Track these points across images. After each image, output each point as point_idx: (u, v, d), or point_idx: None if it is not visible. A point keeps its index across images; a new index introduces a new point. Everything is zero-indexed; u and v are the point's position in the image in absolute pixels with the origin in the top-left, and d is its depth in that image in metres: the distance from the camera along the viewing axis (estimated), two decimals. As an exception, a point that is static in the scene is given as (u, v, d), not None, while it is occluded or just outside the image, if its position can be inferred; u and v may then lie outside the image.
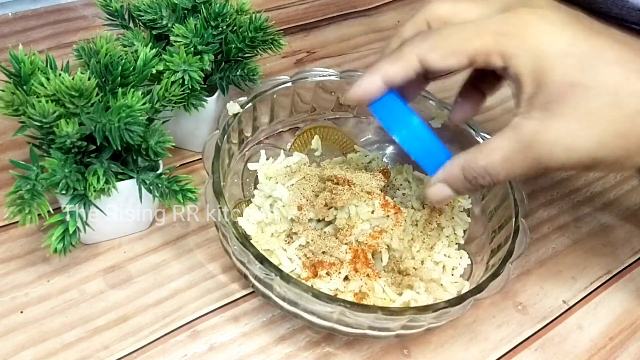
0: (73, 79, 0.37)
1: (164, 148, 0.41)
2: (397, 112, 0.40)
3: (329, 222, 0.47)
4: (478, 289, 0.40)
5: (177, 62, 0.43)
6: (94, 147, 0.40)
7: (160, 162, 0.44)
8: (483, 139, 0.50)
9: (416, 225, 0.48)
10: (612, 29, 0.36)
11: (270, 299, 0.41)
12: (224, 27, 0.47)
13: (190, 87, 0.44)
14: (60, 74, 0.38)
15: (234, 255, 0.41)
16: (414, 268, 0.46)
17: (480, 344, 0.46)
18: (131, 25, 0.49)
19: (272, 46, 0.50)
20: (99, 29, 0.47)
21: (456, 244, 0.49)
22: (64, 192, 0.39)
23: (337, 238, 0.45)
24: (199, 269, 0.47)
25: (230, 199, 0.47)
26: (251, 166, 0.50)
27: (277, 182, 0.49)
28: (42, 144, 0.40)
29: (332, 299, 0.37)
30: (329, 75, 0.52)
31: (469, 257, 0.48)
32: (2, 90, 0.38)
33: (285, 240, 0.45)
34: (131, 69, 0.41)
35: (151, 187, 0.42)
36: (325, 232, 0.46)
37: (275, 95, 0.50)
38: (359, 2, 0.77)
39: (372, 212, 0.46)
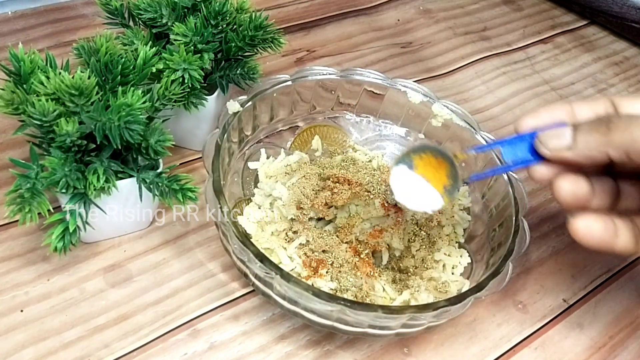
0: (73, 77, 0.37)
1: (164, 147, 0.41)
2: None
3: (329, 221, 0.47)
4: (478, 287, 0.40)
5: (177, 61, 0.43)
6: (94, 145, 0.40)
7: (160, 160, 0.43)
8: (483, 138, 0.50)
9: (416, 224, 0.48)
10: None
11: (270, 298, 0.41)
12: (224, 26, 0.47)
13: (190, 85, 0.44)
14: (60, 73, 0.38)
15: (234, 254, 0.41)
16: (414, 267, 0.46)
17: (481, 343, 0.46)
18: (131, 23, 0.49)
19: (272, 45, 0.50)
20: (99, 28, 0.47)
21: (456, 242, 0.49)
22: (64, 190, 0.39)
23: (337, 237, 0.45)
24: (199, 268, 0.47)
25: (231, 198, 0.47)
26: (251, 165, 0.50)
27: (277, 181, 0.49)
28: (42, 142, 0.40)
29: (332, 298, 0.37)
30: (329, 74, 0.52)
31: (469, 256, 0.48)
32: (2, 89, 0.38)
33: (286, 239, 0.45)
34: (131, 67, 0.41)
35: (151, 186, 0.42)
36: (325, 231, 0.46)
37: (275, 94, 0.50)
38: (359, 1, 0.77)
39: (372, 211, 0.46)
